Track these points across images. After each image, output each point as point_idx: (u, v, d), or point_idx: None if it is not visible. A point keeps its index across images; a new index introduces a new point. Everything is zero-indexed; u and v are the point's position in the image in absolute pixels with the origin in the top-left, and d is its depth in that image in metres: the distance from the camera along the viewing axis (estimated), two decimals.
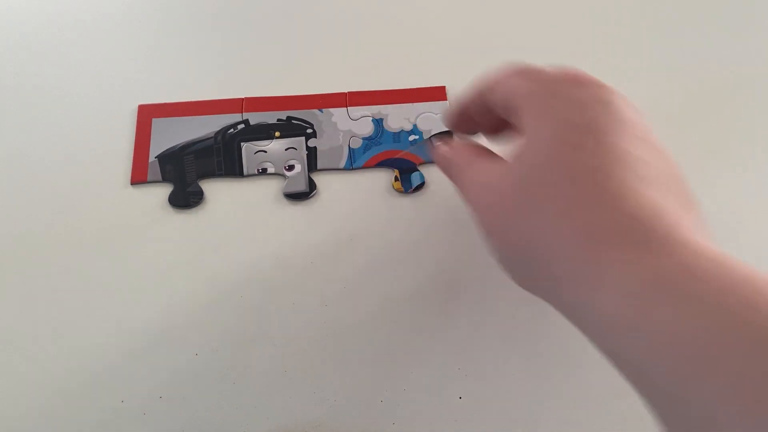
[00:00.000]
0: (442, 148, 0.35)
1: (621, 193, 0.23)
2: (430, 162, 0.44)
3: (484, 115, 0.33)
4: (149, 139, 0.45)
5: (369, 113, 0.47)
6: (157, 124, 0.46)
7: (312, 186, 0.44)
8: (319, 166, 0.44)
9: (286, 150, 0.45)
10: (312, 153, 0.45)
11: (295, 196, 0.43)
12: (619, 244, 0.22)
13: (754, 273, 0.20)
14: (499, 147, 0.33)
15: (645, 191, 0.23)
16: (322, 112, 0.47)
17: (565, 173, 0.24)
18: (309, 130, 0.46)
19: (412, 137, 0.46)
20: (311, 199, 0.43)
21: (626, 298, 0.21)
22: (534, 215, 0.24)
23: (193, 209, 0.43)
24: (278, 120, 0.46)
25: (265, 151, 0.45)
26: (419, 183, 0.43)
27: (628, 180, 0.23)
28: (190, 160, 0.45)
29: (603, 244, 0.22)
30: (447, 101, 0.47)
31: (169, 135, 0.45)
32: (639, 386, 0.22)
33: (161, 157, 0.45)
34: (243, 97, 0.47)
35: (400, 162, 0.45)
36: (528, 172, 0.25)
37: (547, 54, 0.51)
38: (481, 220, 0.29)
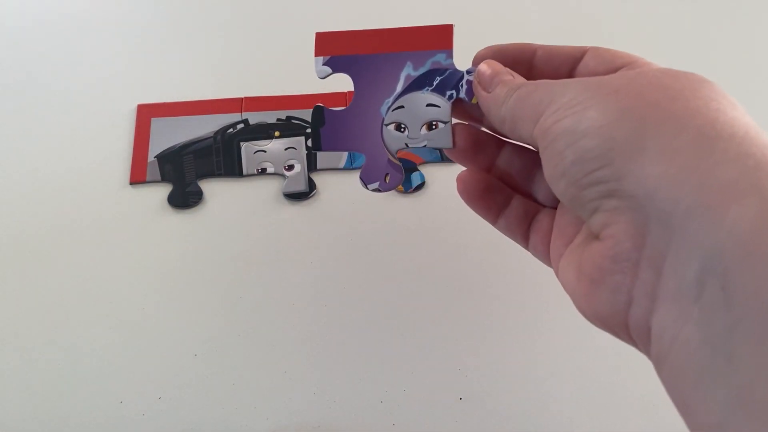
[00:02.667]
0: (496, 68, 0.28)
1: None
2: (430, 162, 0.45)
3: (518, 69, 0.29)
4: (148, 139, 0.45)
5: None
6: (157, 123, 0.46)
7: (312, 186, 0.43)
8: (318, 166, 0.44)
9: (285, 150, 0.45)
10: (312, 153, 0.45)
11: (295, 196, 0.43)
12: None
13: None
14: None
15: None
16: None
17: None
18: (309, 130, 0.46)
19: None
20: (311, 199, 0.43)
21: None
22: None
23: (193, 209, 0.43)
24: (278, 120, 0.46)
25: (265, 151, 0.45)
26: (419, 183, 0.43)
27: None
28: (189, 160, 0.44)
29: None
30: None
31: (168, 135, 0.45)
32: None
33: (160, 157, 0.44)
34: (242, 96, 0.47)
35: (400, 162, 0.45)
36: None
37: None
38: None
